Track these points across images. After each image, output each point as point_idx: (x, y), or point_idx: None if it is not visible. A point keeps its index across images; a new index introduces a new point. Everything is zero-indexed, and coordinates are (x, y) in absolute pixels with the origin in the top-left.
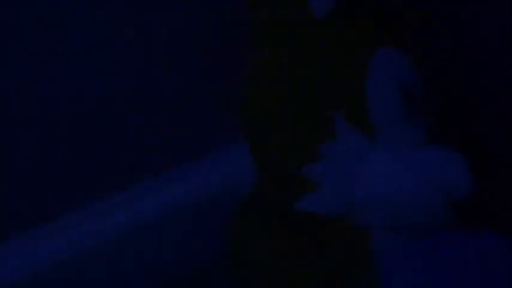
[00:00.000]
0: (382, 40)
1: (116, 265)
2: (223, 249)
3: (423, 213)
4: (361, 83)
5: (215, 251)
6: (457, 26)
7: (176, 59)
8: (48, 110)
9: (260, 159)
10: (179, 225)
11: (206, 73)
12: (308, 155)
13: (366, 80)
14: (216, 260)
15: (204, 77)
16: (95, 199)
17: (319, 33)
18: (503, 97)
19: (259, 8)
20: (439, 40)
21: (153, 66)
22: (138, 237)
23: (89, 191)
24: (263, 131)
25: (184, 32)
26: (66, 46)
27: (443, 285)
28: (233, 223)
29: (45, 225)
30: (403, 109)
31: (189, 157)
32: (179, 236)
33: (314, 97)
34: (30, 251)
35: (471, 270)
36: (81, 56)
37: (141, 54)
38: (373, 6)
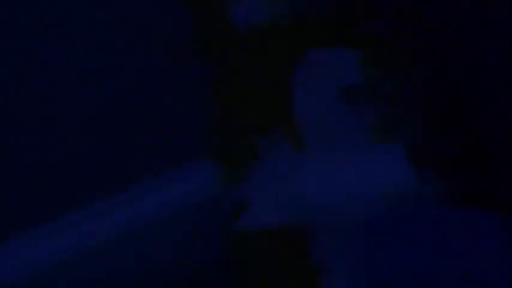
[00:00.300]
0: (314, 43)
1: (116, 265)
2: (223, 249)
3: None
4: (289, 92)
5: (215, 251)
6: (457, 26)
7: (177, 59)
8: (48, 110)
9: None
10: (179, 225)
11: (206, 74)
12: (241, 174)
13: (294, 87)
14: (216, 260)
15: (204, 78)
16: (95, 199)
17: (244, 48)
18: (503, 97)
19: (199, 24)
20: (439, 40)
21: (153, 67)
22: (138, 237)
23: (89, 191)
24: (217, 141)
25: (185, 32)
26: (66, 46)
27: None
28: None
29: (45, 225)
30: (344, 107)
31: (189, 157)
32: (179, 236)
33: (242, 114)
34: (30, 251)
35: (471, 271)
36: (82, 56)
37: (141, 55)
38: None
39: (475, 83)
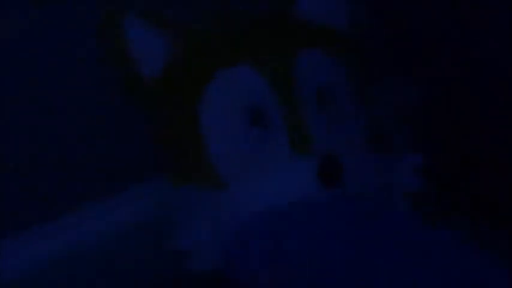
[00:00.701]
0: (218, 67)
1: (115, 265)
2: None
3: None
4: (197, 130)
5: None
6: (457, 27)
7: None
8: (48, 110)
9: None
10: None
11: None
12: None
13: (201, 119)
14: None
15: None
16: (95, 199)
17: (154, 92)
18: (503, 97)
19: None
20: (440, 42)
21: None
22: (138, 237)
23: (89, 191)
24: None
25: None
26: (66, 47)
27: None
28: None
29: (45, 225)
30: (254, 128)
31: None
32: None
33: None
34: (30, 251)
35: (469, 280)
36: (81, 56)
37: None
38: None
39: (475, 83)
